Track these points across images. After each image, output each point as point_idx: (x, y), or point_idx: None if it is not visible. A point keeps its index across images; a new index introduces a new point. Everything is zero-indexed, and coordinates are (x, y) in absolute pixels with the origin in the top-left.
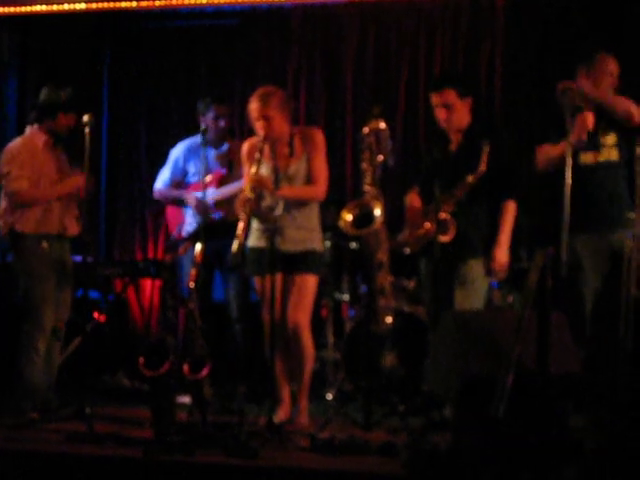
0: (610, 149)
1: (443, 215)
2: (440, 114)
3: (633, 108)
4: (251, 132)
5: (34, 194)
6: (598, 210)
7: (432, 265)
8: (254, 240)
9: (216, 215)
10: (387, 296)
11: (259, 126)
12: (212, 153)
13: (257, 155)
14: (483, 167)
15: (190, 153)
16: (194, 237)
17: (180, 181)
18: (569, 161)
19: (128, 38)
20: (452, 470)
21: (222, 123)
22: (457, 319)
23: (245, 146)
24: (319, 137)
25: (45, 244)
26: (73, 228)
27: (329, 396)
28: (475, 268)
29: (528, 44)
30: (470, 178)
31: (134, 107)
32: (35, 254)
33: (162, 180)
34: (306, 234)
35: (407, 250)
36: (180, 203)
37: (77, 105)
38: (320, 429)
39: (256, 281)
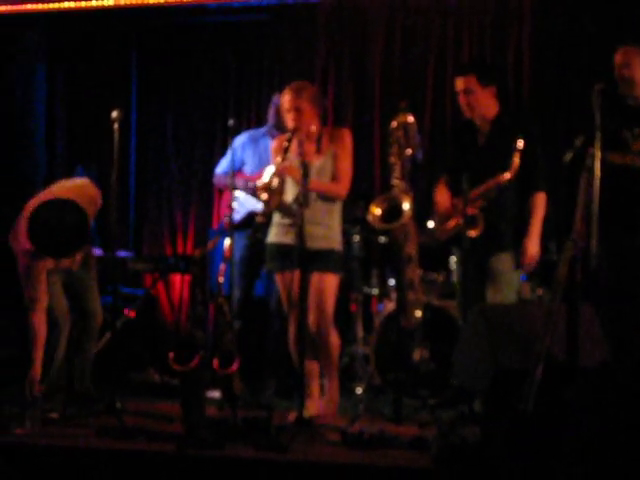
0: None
1: (472, 210)
2: (461, 99)
3: None
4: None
5: None
6: (622, 210)
7: (462, 258)
8: (275, 236)
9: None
10: (416, 290)
11: (290, 117)
12: (270, 144)
13: (285, 144)
14: (516, 165)
15: (249, 143)
16: (241, 226)
17: (238, 170)
18: (598, 154)
19: (156, 34)
20: (481, 463)
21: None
22: (486, 312)
23: (275, 141)
24: (347, 137)
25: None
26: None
27: (359, 390)
28: (505, 261)
29: (556, 35)
30: (502, 178)
31: (162, 103)
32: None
33: (221, 167)
34: (326, 232)
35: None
36: (233, 189)
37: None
38: (350, 423)
39: (277, 277)
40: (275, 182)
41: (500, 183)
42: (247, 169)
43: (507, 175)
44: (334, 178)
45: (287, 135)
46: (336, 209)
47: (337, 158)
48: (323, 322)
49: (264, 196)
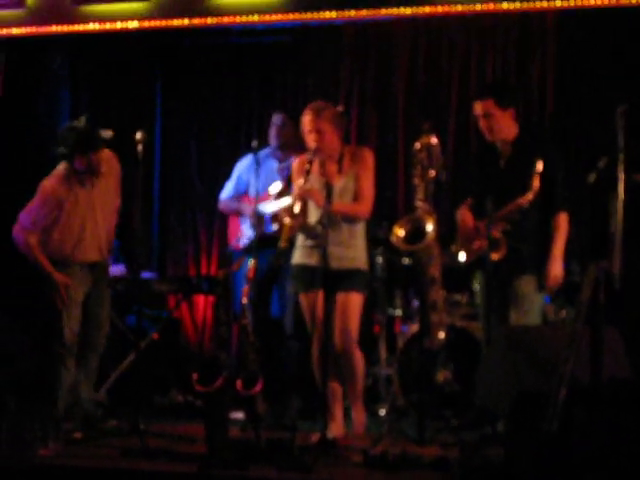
0: None
1: (495, 233)
2: (482, 123)
3: None
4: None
5: (30, 251)
6: None
7: (485, 280)
8: (300, 257)
9: (270, 229)
10: (439, 311)
11: (311, 139)
12: (274, 166)
13: (307, 166)
14: (535, 188)
15: (254, 166)
16: (249, 250)
17: (243, 193)
18: (622, 176)
19: (180, 57)
20: None
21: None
22: (509, 334)
23: (296, 162)
24: (369, 157)
25: (78, 269)
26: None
27: (382, 411)
28: (528, 283)
29: (580, 54)
30: (523, 200)
31: (186, 125)
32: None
33: (226, 191)
34: (351, 252)
35: (459, 260)
36: (240, 214)
37: (93, 143)
38: (373, 444)
39: (302, 298)
40: (297, 206)
41: (521, 206)
42: (251, 192)
43: (528, 197)
44: (356, 198)
45: (308, 156)
46: (360, 229)
47: (359, 178)
48: (347, 341)
49: (287, 220)
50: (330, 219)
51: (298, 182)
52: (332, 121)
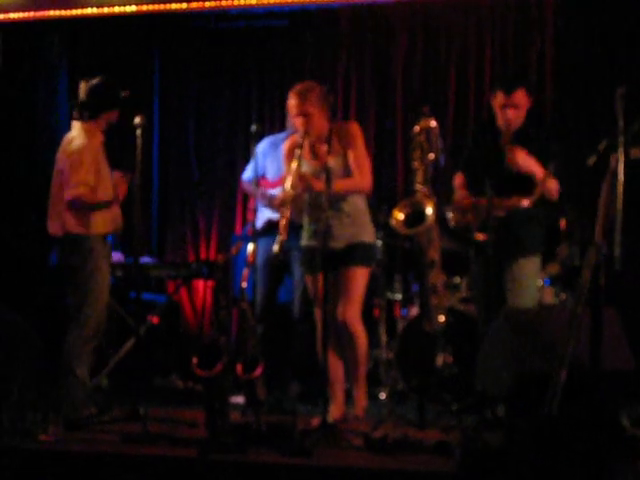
0: None
1: (492, 220)
2: (509, 114)
3: None
4: None
5: (93, 199)
6: None
7: (483, 264)
8: (306, 239)
9: (275, 215)
10: (439, 295)
11: (298, 122)
12: None
13: (297, 151)
14: (537, 195)
15: (270, 149)
16: (261, 234)
17: (261, 176)
18: (621, 158)
19: (178, 40)
20: (505, 468)
21: None
22: (509, 317)
23: (286, 144)
24: (355, 130)
25: (106, 245)
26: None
27: (382, 395)
28: (526, 267)
29: (579, 40)
30: (522, 203)
31: (184, 109)
32: (102, 256)
33: (247, 173)
34: (351, 228)
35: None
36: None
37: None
38: (374, 428)
39: (308, 280)
40: (291, 191)
41: (518, 206)
42: (270, 175)
43: (526, 202)
44: (353, 173)
45: (298, 140)
46: (360, 202)
47: (352, 153)
48: (350, 314)
49: (284, 211)
50: (331, 202)
51: (291, 167)
52: (318, 102)
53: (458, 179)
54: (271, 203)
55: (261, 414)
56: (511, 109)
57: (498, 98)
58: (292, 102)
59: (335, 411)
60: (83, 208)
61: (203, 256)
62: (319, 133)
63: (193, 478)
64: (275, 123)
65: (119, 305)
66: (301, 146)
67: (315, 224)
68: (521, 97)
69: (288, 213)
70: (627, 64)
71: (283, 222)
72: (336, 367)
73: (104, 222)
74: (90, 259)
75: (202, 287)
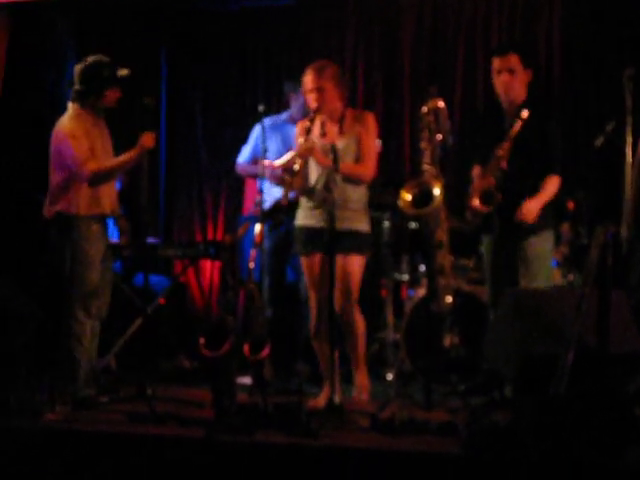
0: None
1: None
2: (503, 78)
3: None
4: None
5: (105, 166)
6: None
7: (493, 243)
8: (302, 219)
9: (291, 195)
10: (447, 276)
11: (312, 98)
12: (293, 130)
13: (307, 124)
14: (515, 130)
15: (271, 130)
16: (270, 214)
17: (260, 158)
18: (629, 139)
19: (185, 20)
20: (512, 449)
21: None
22: (517, 298)
23: (298, 126)
24: (371, 120)
25: (96, 226)
26: (117, 207)
27: (389, 376)
28: (536, 245)
29: (587, 20)
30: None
31: (191, 90)
32: (86, 238)
33: (243, 156)
34: (350, 214)
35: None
36: (258, 177)
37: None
38: (380, 409)
39: (303, 260)
40: (297, 164)
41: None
42: (270, 156)
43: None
44: (357, 160)
45: (309, 116)
46: (360, 191)
47: (361, 140)
48: (347, 303)
49: (286, 178)
50: (335, 181)
51: (299, 141)
52: (333, 79)
53: (476, 170)
54: (274, 177)
55: (268, 395)
56: (506, 73)
57: (494, 64)
58: (308, 77)
59: (322, 396)
60: (104, 179)
61: (210, 236)
62: (331, 111)
63: (200, 458)
64: (282, 105)
65: (127, 285)
66: (312, 121)
67: (314, 202)
68: (515, 62)
69: (289, 184)
70: (636, 44)
71: (284, 192)
72: (325, 350)
73: (90, 203)
74: (73, 240)
75: (209, 268)
